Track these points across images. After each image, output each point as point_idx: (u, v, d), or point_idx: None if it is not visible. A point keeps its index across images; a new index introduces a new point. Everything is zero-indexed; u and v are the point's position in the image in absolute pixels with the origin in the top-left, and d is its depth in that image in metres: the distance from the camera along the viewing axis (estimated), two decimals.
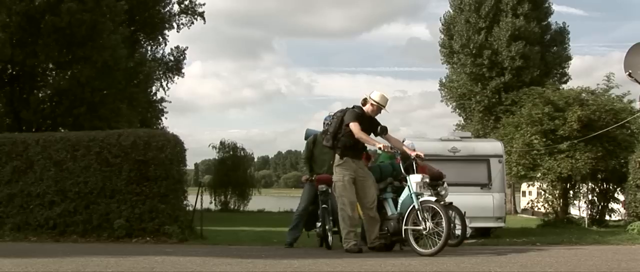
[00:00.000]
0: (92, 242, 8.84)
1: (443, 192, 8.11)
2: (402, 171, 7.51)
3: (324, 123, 8.26)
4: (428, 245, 7.03)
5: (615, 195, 14.95)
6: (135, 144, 9.19)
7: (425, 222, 7.05)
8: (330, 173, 7.90)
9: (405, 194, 7.53)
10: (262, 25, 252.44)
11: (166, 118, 26.64)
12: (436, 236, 7.01)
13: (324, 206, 7.91)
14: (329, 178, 7.91)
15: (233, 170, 33.86)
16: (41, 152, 9.54)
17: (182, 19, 26.62)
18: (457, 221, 7.98)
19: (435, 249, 6.91)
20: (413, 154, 7.49)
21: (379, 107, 7.51)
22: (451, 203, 8.00)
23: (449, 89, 35.79)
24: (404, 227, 7.14)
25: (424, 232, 7.04)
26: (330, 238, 7.89)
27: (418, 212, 7.10)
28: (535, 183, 17.20)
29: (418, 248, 7.05)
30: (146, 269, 5.78)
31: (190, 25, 26.92)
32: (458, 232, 8.05)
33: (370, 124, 7.51)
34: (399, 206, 7.56)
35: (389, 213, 7.65)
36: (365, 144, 7.58)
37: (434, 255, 6.91)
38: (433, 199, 7.39)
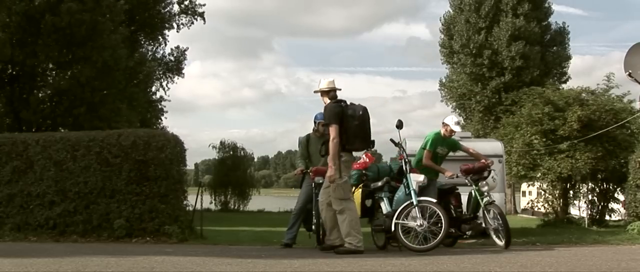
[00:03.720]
0: (92, 242, 8.83)
1: (485, 188, 7.87)
2: (405, 169, 7.53)
3: (315, 122, 8.38)
4: (420, 243, 7.06)
5: (615, 195, 14.93)
6: (135, 144, 9.19)
7: (421, 219, 7.09)
8: (325, 166, 7.94)
9: (400, 191, 7.58)
10: (262, 25, 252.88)
11: (166, 118, 26.72)
12: (431, 235, 7.05)
13: (317, 199, 7.77)
14: (325, 171, 7.90)
15: (233, 170, 33.81)
16: (41, 152, 9.54)
17: (182, 19, 26.66)
18: (498, 221, 7.63)
19: (429, 245, 6.97)
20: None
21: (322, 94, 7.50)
22: (493, 201, 7.87)
23: (449, 89, 35.77)
24: (394, 221, 7.16)
25: (419, 229, 7.08)
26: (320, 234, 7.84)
27: (416, 208, 7.13)
28: (535, 183, 17.20)
29: (407, 242, 7.09)
30: (146, 269, 5.78)
31: (190, 25, 26.96)
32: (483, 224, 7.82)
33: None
34: (393, 203, 7.60)
35: (385, 211, 7.71)
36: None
37: (425, 251, 6.94)
38: (434, 200, 7.44)
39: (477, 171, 8.00)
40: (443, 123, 8.49)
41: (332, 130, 7.08)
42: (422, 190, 7.62)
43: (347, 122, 7.11)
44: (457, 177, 8.09)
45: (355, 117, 7.13)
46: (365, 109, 7.28)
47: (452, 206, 8.22)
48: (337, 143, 7.05)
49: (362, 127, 7.15)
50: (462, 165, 8.21)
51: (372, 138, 7.43)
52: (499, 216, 7.67)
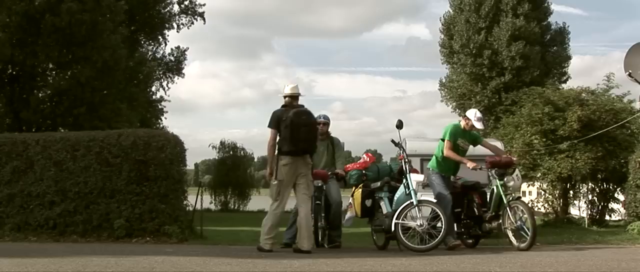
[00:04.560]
0: (92, 242, 8.84)
1: (510, 183, 7.56)
2: (405, 169, 7.53)
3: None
4: (420, 243, 7.07)
5: (615, 195, 14.93)
6: (135, 144, 9.20)
7: (421, 219, 7.10)
8: (324, 169, 8.14)
9: (400, 191, 7.58)
10: (262, 25, 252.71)
11: (166, 118, 26.68)
12: (430, 236, 7.05)
13: (317, 202, 7.87)
14: (324, 174, 8.04)
15: (233, 170, 33.77)
16: (41, 152, 9.55)
17: (182, 19, 26.58)
18: (525, 216, 7.30)
19: (429, 245, 6.97)
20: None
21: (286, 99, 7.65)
22: (519, 197, 7.67)
23: (449, 89, 35.73)
24: (394, 221, 7.16)
25: (419, 229, 7.09)
26: (319, 235, 7.95)
27: (416, 208, 7.14)
28: (535, 183, 17.19)
29: (407, 242, 7.09)
30: (146, 269, 5.78)
31: (190, 26, 26.92)
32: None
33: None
34: (393, 203, 7.61)
35: (385, 211, 7.70)
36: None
37: (425, 251, 6.94)
38: (433, 200, 7.44)
39: (504, 165, 7.69)
40: (464, 116, 8.17)
41: (269, 134, 7.48)
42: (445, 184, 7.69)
43: (280, 126, 7.38)
44: (481, 169, 7.71)
45: (285, 121, 7.32)
46: (298, 114, 7.39)
47: (475, 204, 7.96)
48: (270, 146, 7.44)
49: (291, 131, 7.28)
50: (488, 157, 7.91)
51: (314, 143, 7.54)
52: (525, 216, 7.32)
